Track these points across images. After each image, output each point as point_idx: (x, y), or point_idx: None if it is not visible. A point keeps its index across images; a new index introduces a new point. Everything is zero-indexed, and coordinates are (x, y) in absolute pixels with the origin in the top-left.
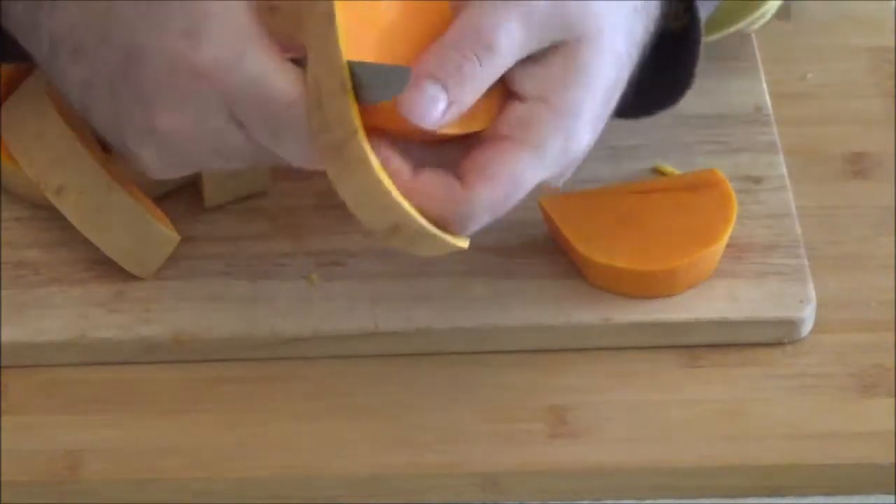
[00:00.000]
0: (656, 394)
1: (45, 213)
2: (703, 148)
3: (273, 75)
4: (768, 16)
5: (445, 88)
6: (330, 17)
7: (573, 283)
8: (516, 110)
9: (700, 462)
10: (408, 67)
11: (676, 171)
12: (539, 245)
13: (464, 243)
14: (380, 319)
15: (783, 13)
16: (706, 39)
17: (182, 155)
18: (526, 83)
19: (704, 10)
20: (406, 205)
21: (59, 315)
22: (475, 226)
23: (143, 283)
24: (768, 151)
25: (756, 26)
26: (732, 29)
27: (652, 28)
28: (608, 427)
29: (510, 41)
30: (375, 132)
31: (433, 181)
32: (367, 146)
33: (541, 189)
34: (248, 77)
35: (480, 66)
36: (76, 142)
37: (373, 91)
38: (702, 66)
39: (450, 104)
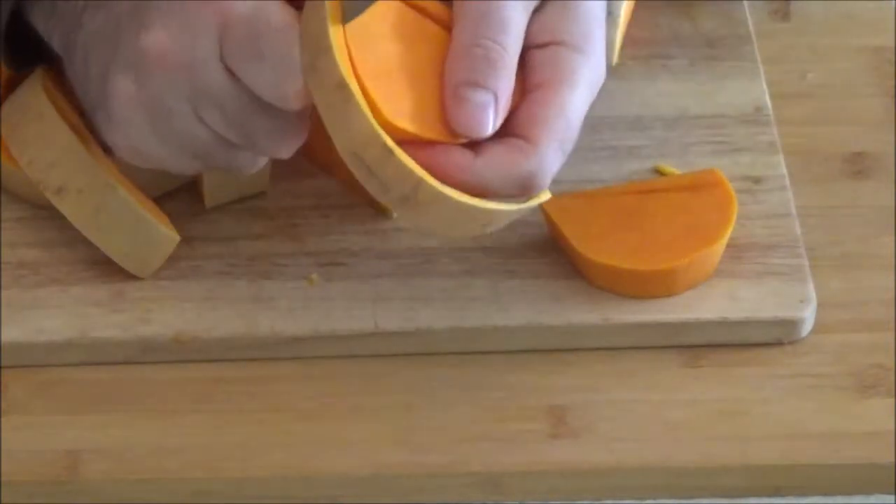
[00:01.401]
0: (656, 394)
1: (45, 213)
2: (703, 148)
3: (271, 7)
4: None
5: (487, 87)
6: (343, 87)
7: (573, 283)
8: (538, 56)
9: (700, 462)
10: None
11: (676, 171)
12: (539, 245)
13: (545, 195)
14: (380, 319)
15: (783, 13)
16: None
17: (157, 95)
18: (537, 35)
19: None
20: (492, 205)
21: (59, 315)
22: (552, 174)
23: (143, 283)
24: (768, 151)
25: None
26: None
27: None
28: (608, 427)
29: (517, 12)
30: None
31: (499, 153)
32: (437, 185)
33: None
34: (249, 8)
35: (505, 49)
36: (76, 142)
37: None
38: (702, 66)
39: (497, 101)
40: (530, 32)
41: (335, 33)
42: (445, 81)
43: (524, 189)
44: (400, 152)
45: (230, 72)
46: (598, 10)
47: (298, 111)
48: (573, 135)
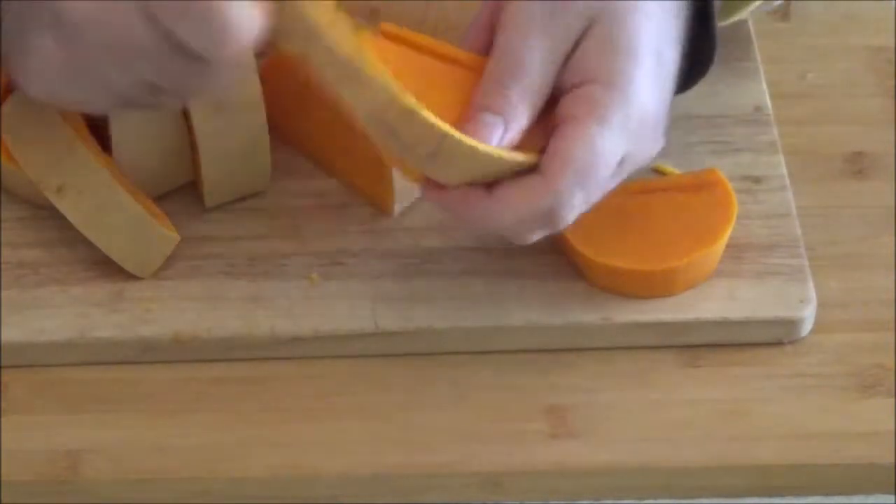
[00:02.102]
0: (656, 394)
1: (45, 213)
2: (703, 148)
3: None
4: None
5: (501, 115)
6: (355, 58)
7: (573, 283)
8: (571, 95)
9: (700, 462)
10: None
11: (676, 171)
12: (539, 245)
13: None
14: (380, 319)
15: (783, 13)
16: (734, 18)
17: (81, 54)
18: (572, 76)
19: None
20: (515, 155)
21: (59, 315)
22: (572, 212)
23: (143, 283)
24: (768, 151)
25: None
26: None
27: None
28: (608, 427)
29: (542, 56)
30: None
31: (511, 189)
32: (462, 137)
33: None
34: None
35: (524, 89)
36: (76, 142)
37: None
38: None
39: (507, 129)
40: (565, 74)
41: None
42: (471, 102)
43: (546, 223)
44: (422, 109)
45: (156, 26)
46: (642, 44)
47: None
48: (600, 175)
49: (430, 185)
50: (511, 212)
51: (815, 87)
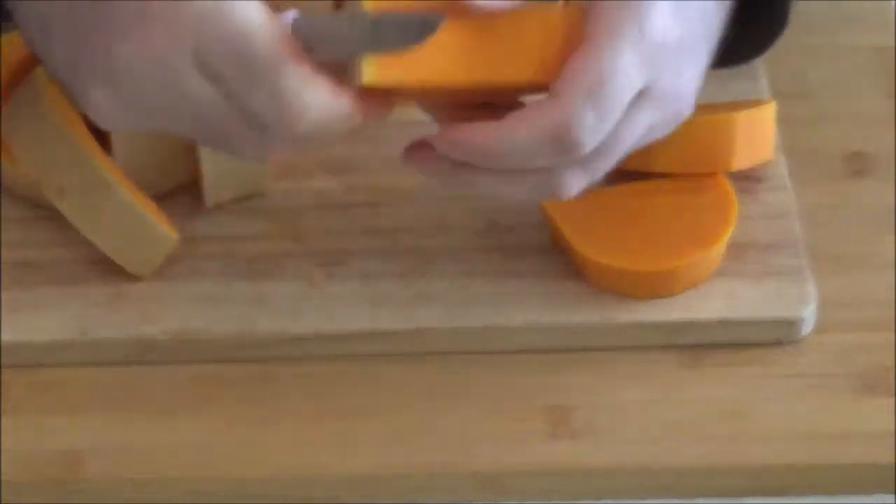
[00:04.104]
0: (656, 394)
1: (45, 213)
2: None
3: (254, 23)
4: None
5: None
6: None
7: (573, 283)
8: (592, 13)
9: (700, 462)
10: (432, 14)
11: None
12: (539, 245)
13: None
14: (380, 319)
15: None
16: None
17: (141, 101)
18: None
19: None
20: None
21: (59, 315)
22: (587, 134)
23: (143, 283)
24: None
25: None
26: None
27: None
28: (608, 427)
29: None
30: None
31: (521, 112)
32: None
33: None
34: (229, 21)
35: None
36: (76, 142)
37: (393, 41)
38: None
39: None
40: None
41: None
42: None
43: (559, 146)
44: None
45: (220, 88)
46: None
47: None
48: (612, 90)
49: (443, 128)
50: (523, 132)
51: (815, 86)
